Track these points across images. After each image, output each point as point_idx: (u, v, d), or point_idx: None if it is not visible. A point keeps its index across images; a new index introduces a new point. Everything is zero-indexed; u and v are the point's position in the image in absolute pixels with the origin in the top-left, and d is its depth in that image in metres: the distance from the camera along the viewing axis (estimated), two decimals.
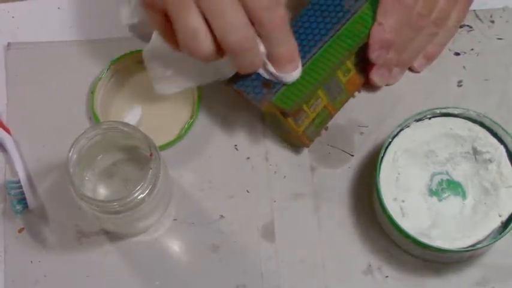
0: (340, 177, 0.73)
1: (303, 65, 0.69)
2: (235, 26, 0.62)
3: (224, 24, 0.62)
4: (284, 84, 0.68)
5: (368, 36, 0.70)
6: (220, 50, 0.63)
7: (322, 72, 0.69)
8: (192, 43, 0.62)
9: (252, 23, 0.63)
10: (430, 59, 0.76)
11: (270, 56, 0.66)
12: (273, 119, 0.72)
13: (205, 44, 0.62)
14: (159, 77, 0.71)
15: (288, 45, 0.66)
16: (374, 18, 0.70)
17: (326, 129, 0.74)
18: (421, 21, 0.71)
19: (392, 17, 0.70)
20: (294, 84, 0.68)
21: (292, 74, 0.67)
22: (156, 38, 0.70)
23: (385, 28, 0.70)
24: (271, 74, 0.67)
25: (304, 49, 0.69)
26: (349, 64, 0.72)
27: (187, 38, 0.62)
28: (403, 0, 0.69)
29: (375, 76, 0.74)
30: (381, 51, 0.71)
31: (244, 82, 0.69)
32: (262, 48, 0.65)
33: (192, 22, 0.62)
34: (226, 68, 0.69)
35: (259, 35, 0.64)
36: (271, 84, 0.68)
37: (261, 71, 0.67)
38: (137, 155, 0.69)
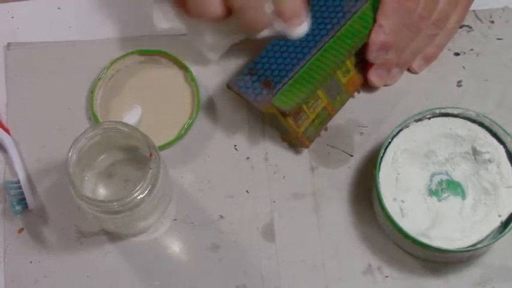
0: (340, 177, 0.73)
1: (303, 66, 0.69)
2: None
3: None
4: (283, 84, 0.68)
5: (368, 36, 0.70)
6: (228, 10, 0.65)
7: (322, 72, 0.69)
8: (201, 4, 0.64)
9: None
10: (429, 60, 0.76)
11: (277, 12, 0.66)
12: (273, 120, 0.72)
13: (214, 4, 0.64)
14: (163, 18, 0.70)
15: (294, 0, 0.66)
16: (374, 19, 0.70)
17: (326, 129, 0.74)
18: (421, 23, 0.71)
19: (393, 18, 0.70)
20: (293, 84, 0.68)
21: (298, 29, 0.67)
22: None
23: (385, 30, 0.70)
24: (278, 32, 0.67)
25: (304, 50, 0.69)
26: (349, 64, 0.72)
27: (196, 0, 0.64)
28: (405, 3, 0.69)
29: (373, 76, 0.74)
30: (379, 52, 0.71)
31: (244, 84, 0.69)
32: (268, 7, 0.65)
33: None
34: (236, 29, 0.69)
35: None
36: (271, 84, 0.68)
37: (266, 32, 0.67)
38: (137, 155, 0.69)
